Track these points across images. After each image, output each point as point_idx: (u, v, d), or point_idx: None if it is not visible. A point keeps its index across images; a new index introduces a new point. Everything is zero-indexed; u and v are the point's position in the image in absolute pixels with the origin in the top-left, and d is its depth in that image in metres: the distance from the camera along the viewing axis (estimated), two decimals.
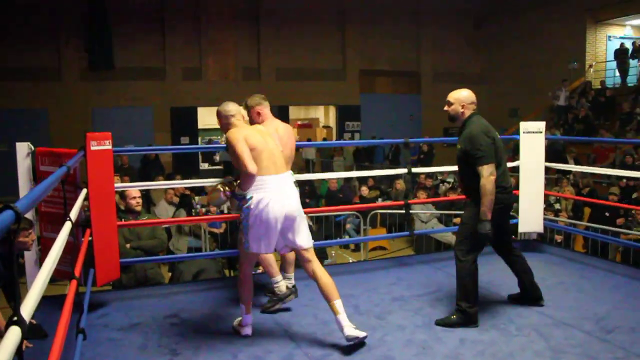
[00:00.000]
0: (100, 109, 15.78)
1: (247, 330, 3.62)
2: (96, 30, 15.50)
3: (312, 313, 3.99)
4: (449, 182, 12.08)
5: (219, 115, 3.60)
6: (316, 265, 3.50)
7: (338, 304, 3.36)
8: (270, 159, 3.43)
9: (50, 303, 4.00)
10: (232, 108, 3.59)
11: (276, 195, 3.37)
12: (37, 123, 15.02)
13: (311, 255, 3.53)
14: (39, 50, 15.42)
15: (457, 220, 9.25)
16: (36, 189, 1.90)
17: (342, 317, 3.31)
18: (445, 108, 3.95)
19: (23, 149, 4.23)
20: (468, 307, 3.71)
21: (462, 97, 3.89)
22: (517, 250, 4.18)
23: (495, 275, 4.76)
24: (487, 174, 3.64)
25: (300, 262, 3.59)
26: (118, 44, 15.80)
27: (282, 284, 4.06)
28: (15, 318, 1.43)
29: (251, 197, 3.37)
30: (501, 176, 3.78)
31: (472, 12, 19.56)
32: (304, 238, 3.52)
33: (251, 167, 3.28)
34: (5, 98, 15.02)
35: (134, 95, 16.00)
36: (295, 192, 3.56)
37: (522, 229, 5.76)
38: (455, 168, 7.42)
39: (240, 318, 3.68)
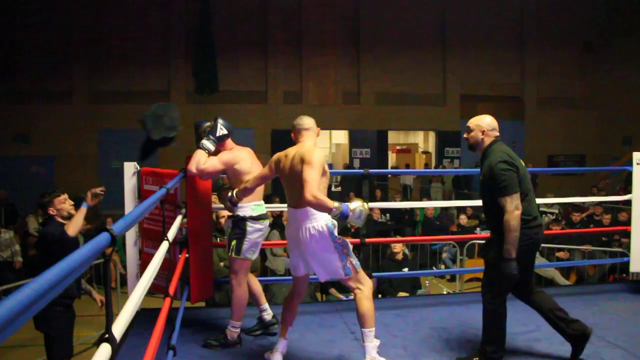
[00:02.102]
0: None
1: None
2: (203, 55, 16.25)
3: (401, 344, 3.88)
4: (551, 214, 11.55)
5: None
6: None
7: (368, 332, 3.34)
8: None
9: (147, 315, 4.15)
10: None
11: None
12: None
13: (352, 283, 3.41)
14: (149, 75, 16.41)
15: (560, 254, 8.80)
16: (133, 212, 1.98)
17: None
18: (465, 135, 3.68)
19: (130, 168, 4.44)
20: (492, 351, 3.48)
21: (483, 124, 3.60)
22: (538, 287, 3.87)
23: (601, 318, 4.45)
24: (512, 207, 3.29)
25: None
26: (223, 68, 16.43)
27: (237, 331, 3.93)
28: (107, 335, 1.48)
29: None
30: (527, 209, 3.42)
31: (580, 34, 18.70)
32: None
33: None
34: (118, 119, 16.00)
35: (237, 117, 16.50)
36: None
37: (633, 268, 5.34)
38: (558, 200, 7.14)
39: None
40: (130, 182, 4.42)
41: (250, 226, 3.82)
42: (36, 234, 10.96)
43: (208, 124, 4.05)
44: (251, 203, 3.86)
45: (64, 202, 4.23)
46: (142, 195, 4.36)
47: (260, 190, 3.91)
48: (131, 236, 4.47)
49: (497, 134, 3.61)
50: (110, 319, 1.50)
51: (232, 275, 3.88)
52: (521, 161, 3.55)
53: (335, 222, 3.32)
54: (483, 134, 3.58)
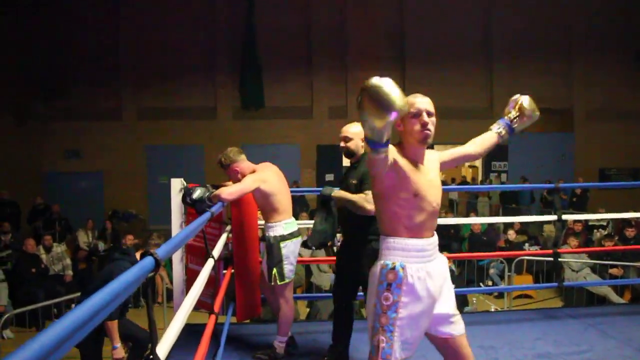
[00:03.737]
0: (250, 146, 16.52)
1: None
2: (249, 72, 16.48)
3: None
4: (603, 229, 11.20)
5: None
6: None
7: None
8: None
9: (192, 331, 4.18)
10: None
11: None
12: (193, 158, 16.13)
13: None
14: (197, 91, 16.72)
15: (613, 271, 8.52)
16: (178, 236, 1.99)
17: None
18: (342, 144, 3.60)
19: (177, 184, 4.48)
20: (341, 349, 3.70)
21: (361, 132, 3.55)
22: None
23: None
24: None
25: None
26: (268, 84, 16.59)
27: (283, 346, 3.91)
28: (151, 357, 1.49)
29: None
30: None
31: (631, 43, 18.16)
32: None
33: None
34: (166, 135, 16.39)
35: (282, 133, 16.64)
36: None
37: None
38: (612, 215, 6.91)
39: None
40: (176, 198, 4.45)
41: (285, 247, 3.76)
42: (86, 248, 11.25)
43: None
44: (282, 222, 3.79)
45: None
46: (187, 210, 4.39)
47: (289, 206, 3.86)
48: (177, 252, 4.51)
49: None
50: (154, 339, 1.50)
51: (279, 296, 3.85)
52: None
53: (402, 265, 2.28)
54: (363, 141, 3.54)
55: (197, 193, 3.63)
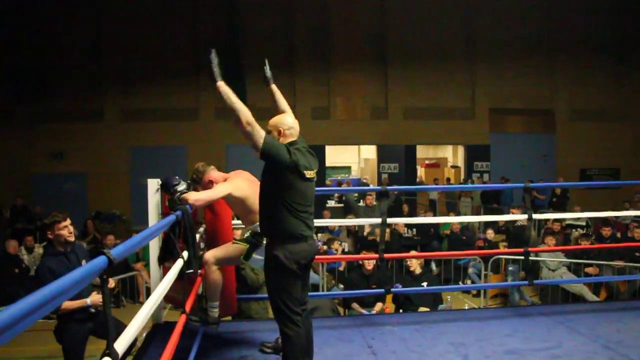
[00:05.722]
0: (233, 146, 16.59)
1: None
2: (231, 73, 16.48)
3: (417, 358, 3.88)
4: (581, 228, 11.34)
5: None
6: None
7: None
8: None
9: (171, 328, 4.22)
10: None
11: None
12: (177, 159, 16.11)
13: None
14: (179, 93, 16.72)
15: (589, 270, 8.64)
16: (136, 237, 2.03)
17: None
18: None
19: (153, 185, 4.52)
20: None
21: (281, 124, 3.36)
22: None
23: (625, 336, 4.36)
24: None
25: None
26: (251, 84, 16.59)
27: (217, 311, 4.02)
28: (108, 351, 1.54)
29: None
30: (298, 225, 3.21)
31: (614, 44, 18.37)
32: None
33: None
34: (148, 136, 16.38)
35: None
36: None
37: None
38: (585, 214, 7.03)
39: None
40: (153, 198, 4.47)
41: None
42: None
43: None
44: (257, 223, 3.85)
45: (63, 229, 4.25)
46: (164, 211, 4.42)
47: None
48: (154, 251, 4.54)
49: (295, 132, 3.42)
50: (112, 335, 1.56)
51: (214, 261, 3.88)
52: (311, 172, 3.39)
53: None
54: (280, 135, 3.33)
55: (183, 187, 3.71)
